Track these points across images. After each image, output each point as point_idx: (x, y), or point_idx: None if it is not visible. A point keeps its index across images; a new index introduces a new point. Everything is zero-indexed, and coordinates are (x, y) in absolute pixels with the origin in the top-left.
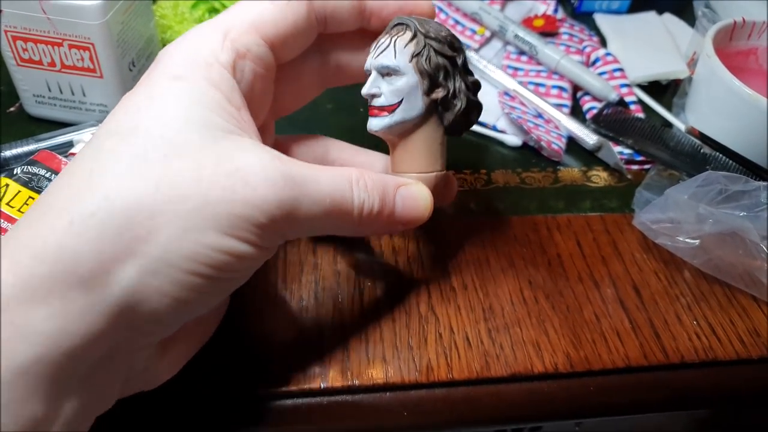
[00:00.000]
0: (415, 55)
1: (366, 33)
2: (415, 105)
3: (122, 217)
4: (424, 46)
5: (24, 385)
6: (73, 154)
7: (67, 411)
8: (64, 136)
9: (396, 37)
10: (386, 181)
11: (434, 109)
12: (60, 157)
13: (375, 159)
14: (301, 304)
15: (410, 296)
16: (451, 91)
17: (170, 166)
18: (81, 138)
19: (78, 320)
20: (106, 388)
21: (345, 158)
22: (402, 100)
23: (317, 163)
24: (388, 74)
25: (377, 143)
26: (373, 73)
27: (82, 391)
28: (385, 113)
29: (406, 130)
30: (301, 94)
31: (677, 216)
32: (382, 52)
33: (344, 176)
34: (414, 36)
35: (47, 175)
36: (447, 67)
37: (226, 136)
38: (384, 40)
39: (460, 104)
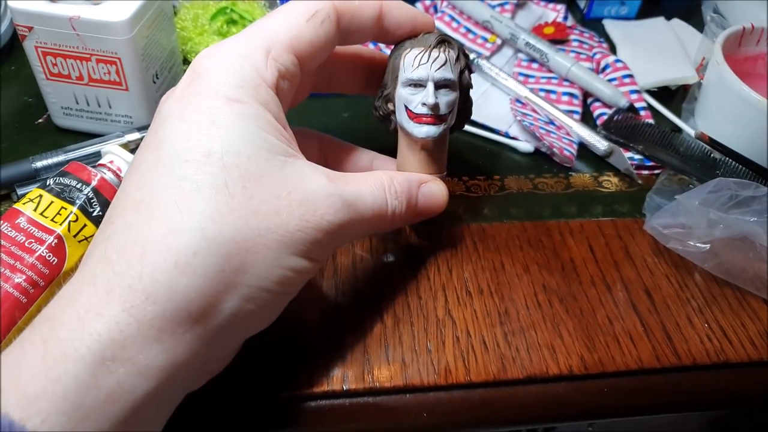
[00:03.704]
0: (461, 72)
1: None
2: (455, 115)
3: (222, 253)
4: (465, 65)
5: (140, 419)
6: (103, 165)
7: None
8: (91, 147)
9: (447, 53)
10: (411, 181)
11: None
12: (90, 168)
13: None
14: (321, 309)
15: (428, 301)
16: (470, 104)
17: (252, 198)
18: (108, 149)
19: (185, 351)
20: (185, 392)
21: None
22: (452, 110)
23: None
24: (444, 87)
25: (382, 146)
26: (431, 85)
27: (172, 400)
28: (442, 123)
29: (442, 137)
30: (300, 97)
31: (688, 221)
32: (441, 66)
33: (381, 186)
34: (459, 54)
35: (78, 186)
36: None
37: (287, 161)
38: (439, 55)
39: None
